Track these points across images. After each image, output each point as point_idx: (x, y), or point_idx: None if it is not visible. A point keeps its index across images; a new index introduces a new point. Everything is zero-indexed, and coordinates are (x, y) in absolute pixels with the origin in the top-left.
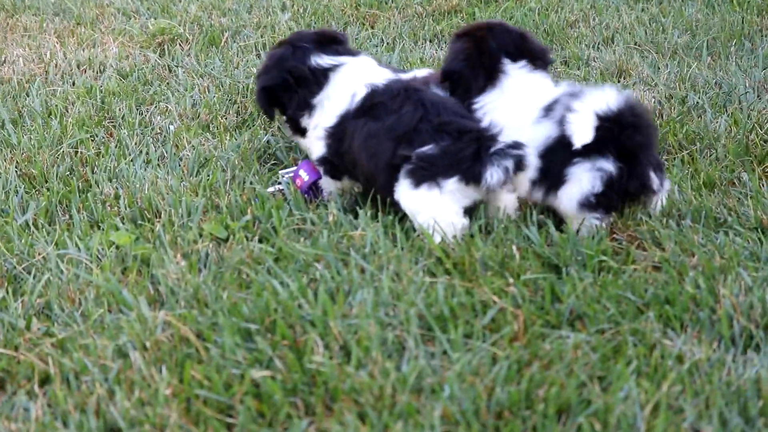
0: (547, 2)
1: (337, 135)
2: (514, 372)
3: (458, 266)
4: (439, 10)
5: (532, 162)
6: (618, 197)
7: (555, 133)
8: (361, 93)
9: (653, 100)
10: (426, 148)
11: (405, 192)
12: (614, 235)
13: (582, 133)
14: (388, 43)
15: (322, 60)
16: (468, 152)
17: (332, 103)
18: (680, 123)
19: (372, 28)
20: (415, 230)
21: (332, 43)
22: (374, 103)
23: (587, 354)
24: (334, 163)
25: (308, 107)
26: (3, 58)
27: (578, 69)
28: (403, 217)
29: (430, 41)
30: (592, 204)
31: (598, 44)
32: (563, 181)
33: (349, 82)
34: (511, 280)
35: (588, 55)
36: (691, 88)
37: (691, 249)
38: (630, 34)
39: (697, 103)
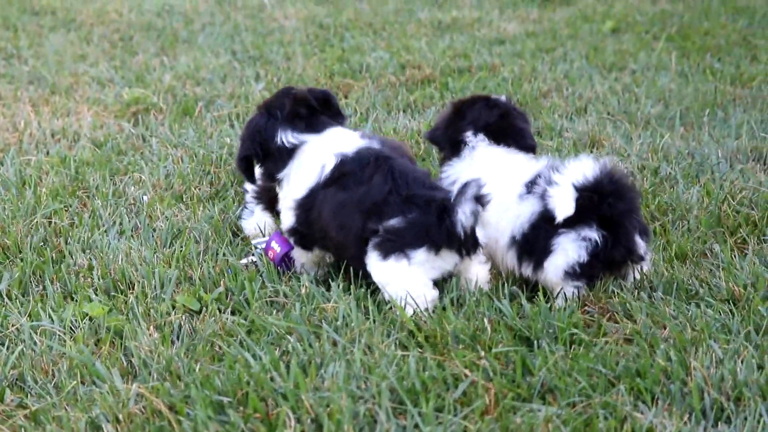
0: (520, 72)
1: (306, 206)
2: None
3: (430, 339)
4: (412, 80)
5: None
6: (602, 265)
7: (538, 208)
8: (331, 164)
9: (626, 170)
10: (393, 221)
11: (374, 264)
12: (586, 308)
13: (563, 207)
14: (361, 113)
15: (287, 137)
16: (434, 221)
17: (299, 177)
18: (653, 194)
19: (346, 97)
20: (387, 302)
21: (304, 113)
22: (344, 173)
23: (558, 428)
24: (304, 233)
25: (275, 180)
26: None
27: (551, 139)
28: (375, 290)
29: (404, 111)
30: (576, 273)
31: (571, 114)
32: (549, 251)
33: (316, 155)
34: (482, 353)
35: (561, 126)
36: (664, 158)
37: (662, 321)
38: (603, 104)
39: (670, 173)
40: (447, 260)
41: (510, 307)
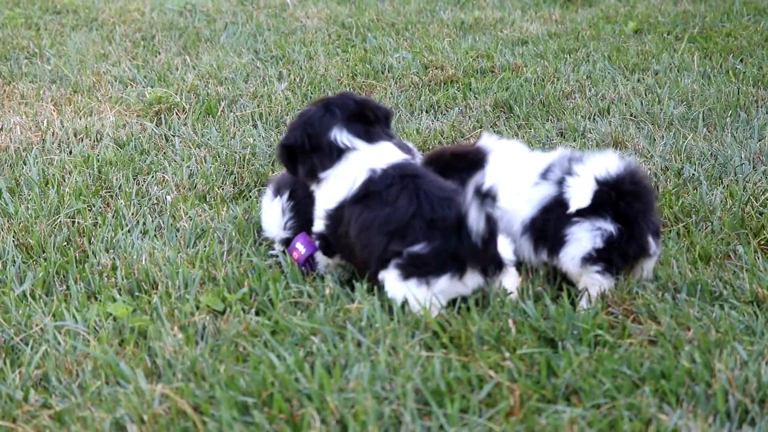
0: (543, 73)
1: (336, 218)
2: None
3: (454, 340)
4: (435, 81)
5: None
6: (619, 256)
7: (553, 192)
8: (361, 178)
9: (649, 172)
10: (417, 247)
11: (393, 281)
12: (610, 309)
13: (579, 197)
14: None
15: (342, 137)
16: (455, 244)
17: (336, 184)
18: (676, 195)
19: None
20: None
21: (365, 119)
22: (370, 192)
23: (583, 429)
24: (330, 241)
25: (316, 178)
26: (0, 126)
27: (574, 140)
28: None
29: (426, 112)
30: (593, 258)
31: (594, 115)
32: (563, 242)
33: (355, 167)
34: (507, 355)
35: (584, 127)
36: (687, 159)
37: (686, 323)
38: (626, 105)
39: (693, 175)
40: (468, 284)
41: (534, 308)
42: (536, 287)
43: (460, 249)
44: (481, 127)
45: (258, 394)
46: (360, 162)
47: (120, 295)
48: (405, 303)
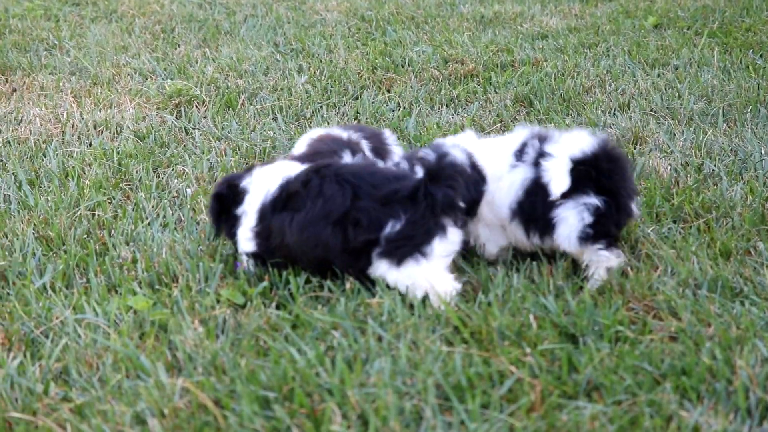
0: (563, 67)
1: (263, 234)
2: None
3: (475, 335)
4: (455, 75)
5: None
6: (615, 227)
7: (530, 175)
8: (275, 186)
9: (669, 167)
10: (389, 228)
11: (388, 272)
12: (630, 305)
13: (559, 182)
14: (404, 108)
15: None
16: (428, 210)
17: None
18: (696, 191)
19: (388, 92)
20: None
21: None
22: (290, 194)
23: (604, 425)
24: (265, 258)
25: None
26: (20, 118)
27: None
28: None
29: (447, 106)
30: (590, 235)
31: (614, 110)
32: (552, 224)
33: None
34: (528, 350)
35: (604, 121)
36: (707, 155)
37: (707, 319)
38: (646, 100)
39: (713, 170)
40: (454, 240)
41: (555, 304)
42: (557, 282)
43: (432, 210)
44: (501, 122)
45: (279, 389)
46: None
47: (140, 288)
48: (426, 297)
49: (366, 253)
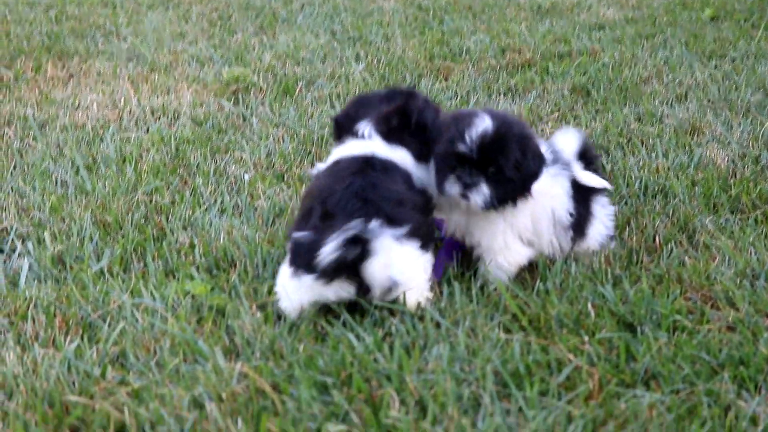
0: (620, 58)
1: None
2: (589, 431)
3: (533, 323)
4: (513, 64)
5: None
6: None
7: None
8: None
9: (726, 158)
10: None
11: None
12: (688, 294)
13: (598, 181)
14: (462, 96)
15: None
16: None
17: None
18: (754, 182)
19: (446, 80)
20: (490, 286)
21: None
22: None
23: (662, 414)
24: None
25: None
26: (77, 103)
27: (652, 125)
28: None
29: (504, 95)
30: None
31: (672, 101)
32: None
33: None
34: (586, 338)
35: (661, 112)
36: (765, 146)
37: (765, 309)
38: (703, 91)
39: None
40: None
41: (613, 292)
42: (615, 271)
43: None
44: (558, 111)
45: (337, 374)
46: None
47: (198, 273)
48: (485, 285)
49: None
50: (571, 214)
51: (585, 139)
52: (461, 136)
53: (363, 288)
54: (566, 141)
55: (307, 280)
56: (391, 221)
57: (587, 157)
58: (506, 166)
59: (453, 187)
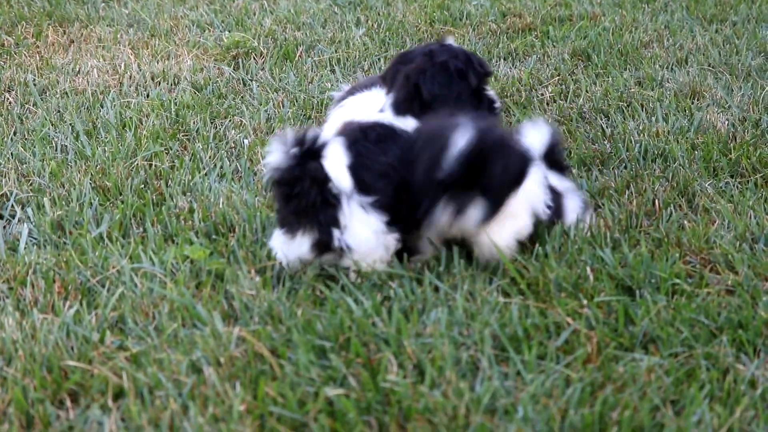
0: (621, 22)
1: None
2: (587, 394)
3: (532, 287)
4: (513, 28)
5: None
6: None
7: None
8: None
9: (726, 122)
10: None
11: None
12: (687, 258)
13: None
14: None
15: None
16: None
17: None
18: (754, 146)
19: None
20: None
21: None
22: None
23: (660, 378)
24: None
25: None
26: (78, 69)
27: (652, 90)
28: None
29: (504, 59)
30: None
31: (672, 65)
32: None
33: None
34: (584, 302)
35: (662, 76)
36: (765, 110)
37: (764, 273)
38: (704, 55)
39: None
40: None
41: (612, 256)
42: (614, 234)
43: None
44: (559, 75)
45: (335, 338)
46: None
47: (197, 238)
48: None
49: None
50: (549, 207)
51: (555, 136)
52: (438, 161)
53: (320, 246)
54: (535, 137)
55: (279, 234)
56: (364, 189)
57: (553, 158)
58: (494, 176)
59: (444, 215)
